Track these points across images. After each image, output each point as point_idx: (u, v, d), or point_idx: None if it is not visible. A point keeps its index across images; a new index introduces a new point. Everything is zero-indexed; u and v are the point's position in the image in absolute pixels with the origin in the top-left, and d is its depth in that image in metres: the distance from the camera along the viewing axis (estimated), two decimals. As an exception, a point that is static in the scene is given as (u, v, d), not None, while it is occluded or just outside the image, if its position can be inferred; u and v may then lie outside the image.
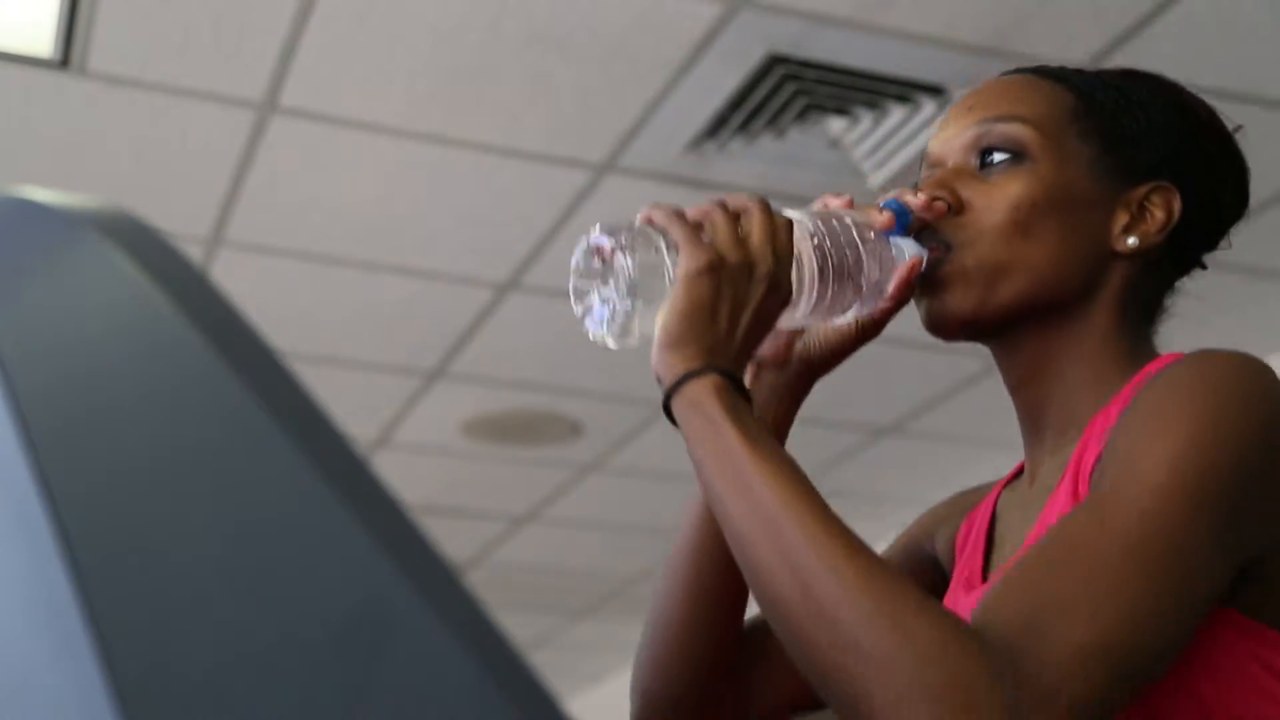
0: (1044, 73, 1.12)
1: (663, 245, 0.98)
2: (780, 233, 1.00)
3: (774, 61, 2.68)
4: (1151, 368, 1.00)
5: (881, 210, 1.05)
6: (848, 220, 1.05)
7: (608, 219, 0.97)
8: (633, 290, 0.97)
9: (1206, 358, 0.93)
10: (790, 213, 1.05)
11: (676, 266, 0.97)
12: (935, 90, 2.75)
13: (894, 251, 1.05)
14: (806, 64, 2.69)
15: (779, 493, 0.87)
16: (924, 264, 1.05)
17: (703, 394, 0.92)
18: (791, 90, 2.76)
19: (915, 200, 1.06)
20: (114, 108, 2.76)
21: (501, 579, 5.70)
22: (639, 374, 4.13)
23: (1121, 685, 0.80)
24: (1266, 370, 0.92)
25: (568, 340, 3.76)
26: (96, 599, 0.45)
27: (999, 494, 1.16)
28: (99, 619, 0.45)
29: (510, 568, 5.60)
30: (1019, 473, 1.16)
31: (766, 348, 1.10)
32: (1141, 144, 1.07)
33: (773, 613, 0.86)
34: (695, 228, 0.98)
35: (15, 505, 0.49)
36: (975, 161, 1.07)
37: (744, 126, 2.87)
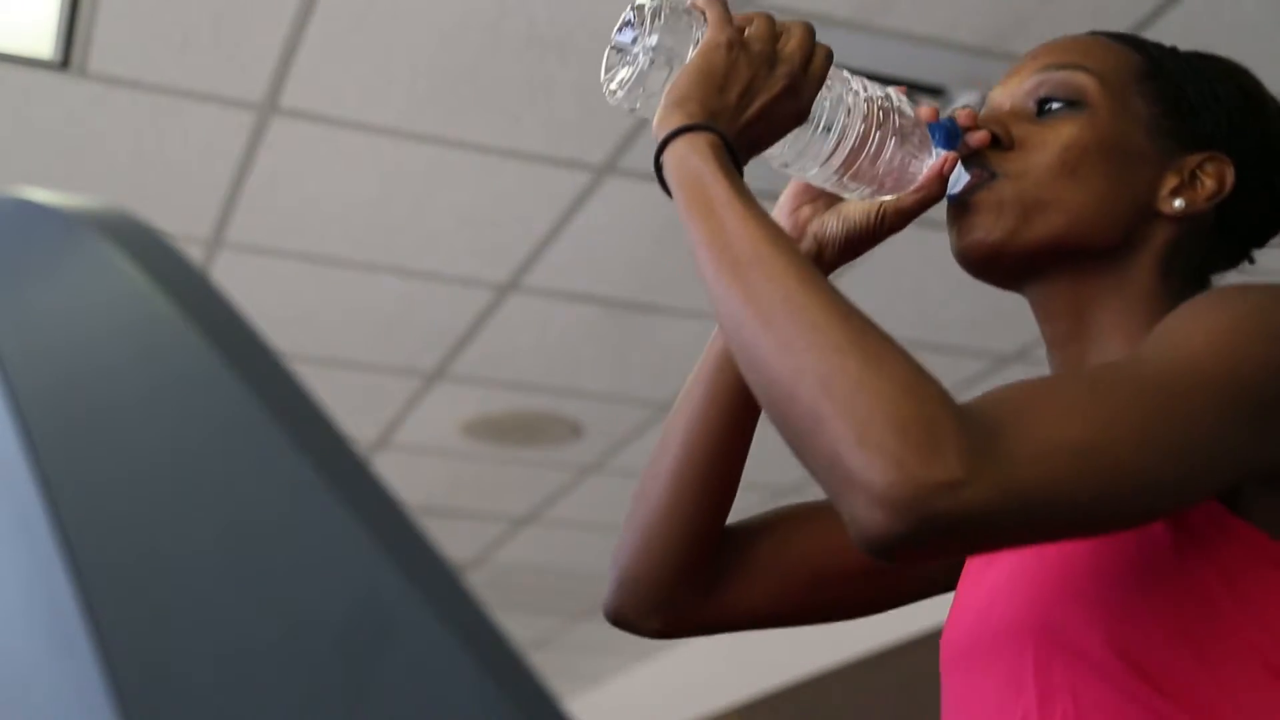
0: (1116, 35, 1.11)
1: (695, 19, 0.99)
2: (818, 54, 1.00)
3: (774, 62, 2.68)
4: None
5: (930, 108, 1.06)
6: (894, 97, 1.05)
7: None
8: (658, 53, 0.98)
9: (1230, 287, 0.92)
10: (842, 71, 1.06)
11: (689, 41, 0.97)
12: (935, 91, 2.75)
13: (932, 147, 1.05)
14: (807, 65, 2.69)
15: (760, 243, 0.86)
16: (957, 167, 1.04)
17: (697, 148, 0.92)
18: (792, 91, 2.76)
19: (965, 120, 1.05)
20: (114, 109, 2.76)
21: (502, 580, 5.70)
22: (639, 375, 4.14)
23: (1087, 490, 0.78)
24: None
25: (568, 341, 3.76)
26: (97, 599, 0.45)
27: None
28: (99, 619, 0.45)
29: (510, 569, 5.60)
30: None
31: (784, 213, 1.09)
32: (1203, 114, 1.06)
33: (741, 343, 0.85)
34: (734, 18, 0.98)
35: (16, 505, 0.49)
36: (1034, 107, 1.06)
37: (744, 127, 2.87)
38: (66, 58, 2.61)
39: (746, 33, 0.97)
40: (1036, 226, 1.02)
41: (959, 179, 1.05)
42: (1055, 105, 1.05)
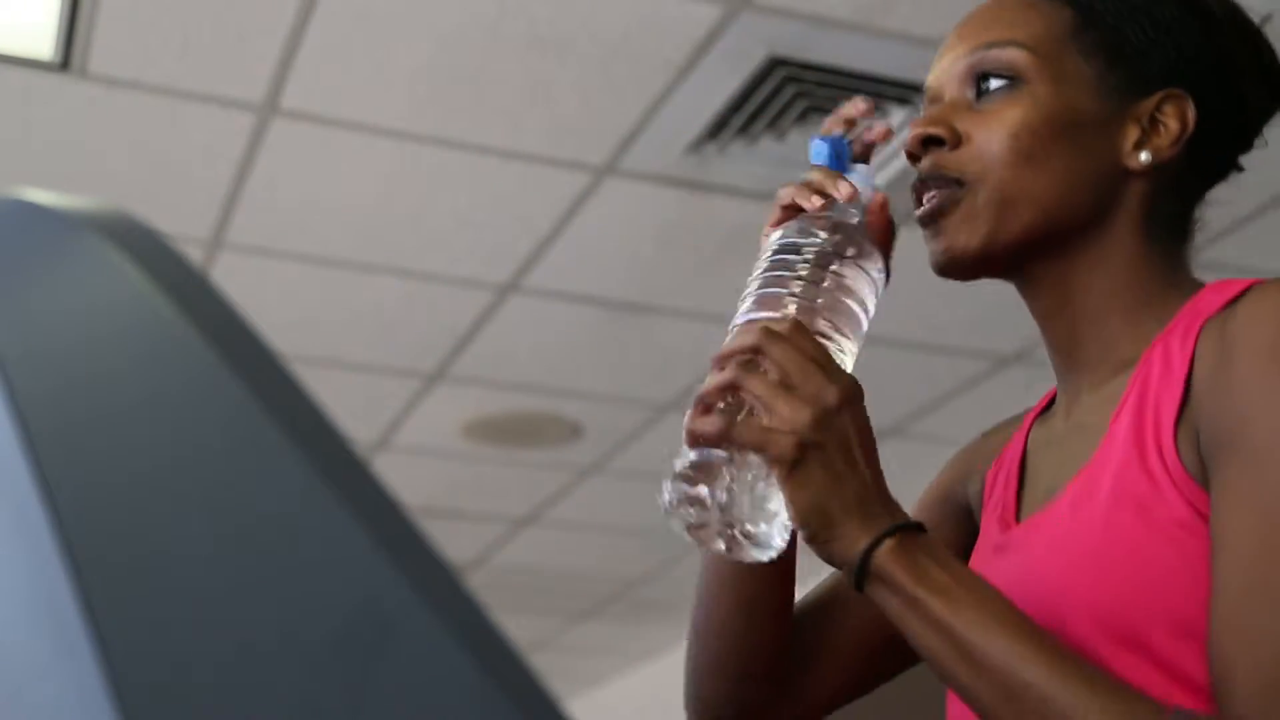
0: None
1: (738, 468, 0.90)
2: (812, 351, 0.91)
3: (774, 64, 2.68)
4: (1203, 303, 0.96)
5: (838, 180, 1.02)
6: (825, 241, 0.99)
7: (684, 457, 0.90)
8: (746, 506, 0.90)
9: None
10: (775, 238, 1.00)
11: (763, 473, 0.90)
12: (935, 92, 2.76)
13: (862, 193, 1.01)
14: (807, 66, 2.69)
15: (1000, 655, 0.84)
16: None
17: (883, 571, 0.88)
18: (792, 92, 2.76)
19: (908, 137, 1.03)
20: (114, 110, 2.77)
21: (502, 581, 5.70)
22: (639, 376, 4.14)
23: None
24: None
25: (568, 342, 3.76)
26: (96, 601, 0.45)
27: (1029, 428, 1.13)
28: (99, 621, 0.45)
29: (511, 570, 5.60)
30: (1049, 404, 1.12)
31: None
32: (1149, 53, 1.02)
33: None
34: (740, 413, 0.89)
35: (15, 508, 0.49)
36: (971, 93, 1.03)
37: (745, 129, 2.87)
38: (67, 59, 2.61)
39: (771, 423, 0.88)
40: (1010, 226, 1.00)
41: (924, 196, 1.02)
42: (992, 86, 1.01)
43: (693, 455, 0.90)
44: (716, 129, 2.87)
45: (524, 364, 3.88)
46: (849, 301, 0.97)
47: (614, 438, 4.36)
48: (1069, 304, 1.03)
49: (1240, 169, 1.08)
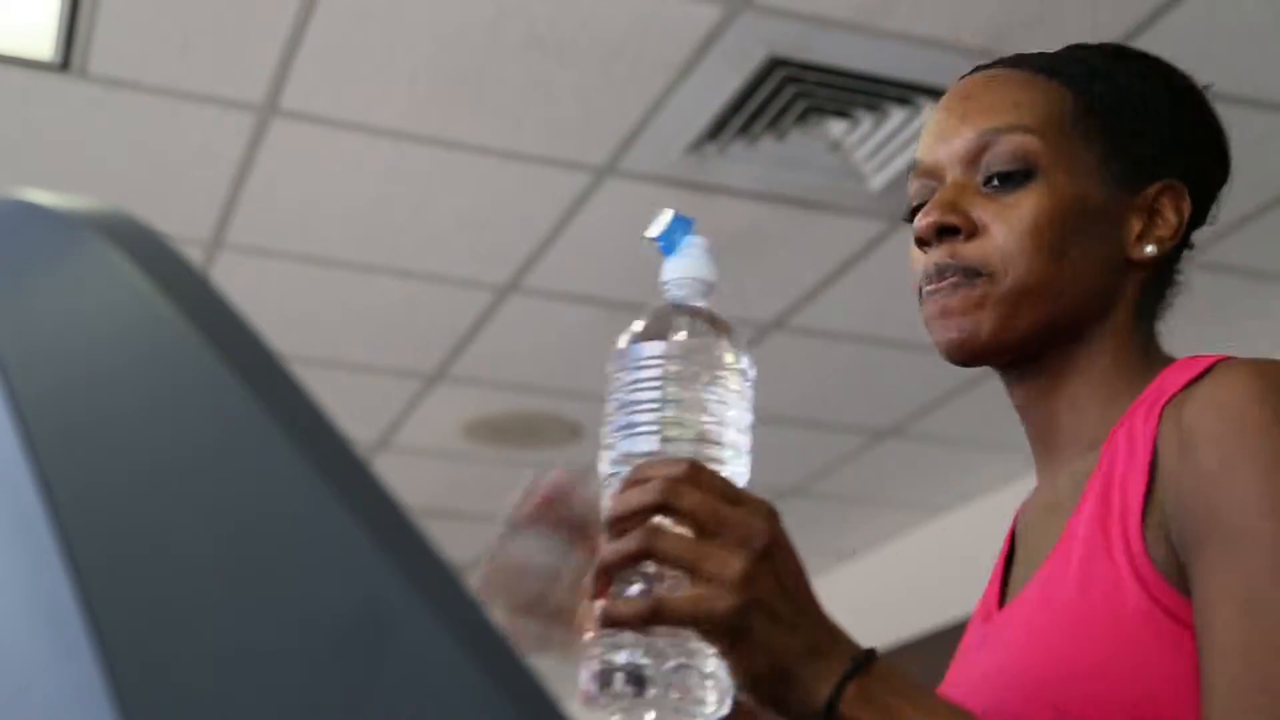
0: (1033, 66, 1.05)
1: (673, 642, 0.80)
2: (722, 487, 0.81)
3: (774, 64, 2.68)
4: (1168, 380, 0.96)
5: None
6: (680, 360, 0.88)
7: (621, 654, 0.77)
8: (695, 679, 0.81)
9: (1245, 380, 0.88)
10: (633, 360, 0.89)
11: (700, 652, 0.81)
12: (936, 93, 2.75)
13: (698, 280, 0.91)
14: (807, 66, 2.69)
15: None
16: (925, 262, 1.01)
17: (854, 704, 0.80)
18: (792, 93, 2.76)
19: (921, 224, 1.01)
20: (114, 111, 2.77)
21: (502, 581, 5.69)
22: (639, 376, 4.13)
23: None
24: None
25: (568, 342, 3.76)
26: (97, 601, 0.45)
27: (1018, 518, 1.12)
28: (99, 622, 0.45)
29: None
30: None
31: None
32: (1143, 139, 1.02)
33: None
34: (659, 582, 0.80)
35: (16, 508, 0.49)
36: (979, 177, 1.01)
37: (745, 129, 2.87)
38: (67, 59, 2.61)
39: (697, 585, 0.79)
40: (1028, 317, 0.99)
41: (930, 276, 1.00)
42: (1004, 174, 0.99)
43: (624, 645, 0.80)
44: (716, 129, 2.87)
45: (524, 364, 3.88)
46: (730, 410, 0.88)
47: (614, 438, 4.36)
48: (1055, 393, 1.03)
49: (1192, 246, 1.07)
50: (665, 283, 0.92)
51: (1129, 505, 0.91)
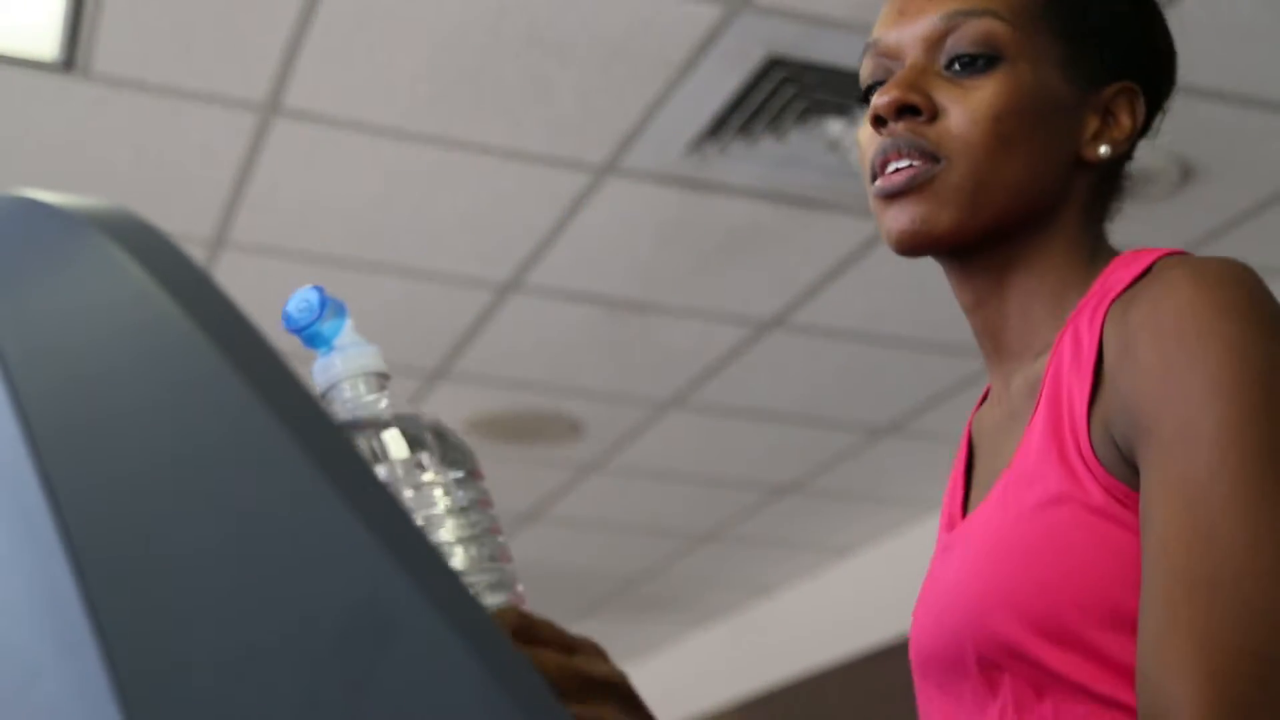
0: None
1: None
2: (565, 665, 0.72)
3: (774, 63, 2.68)
4: (1113, 279, 0.94)
5: None
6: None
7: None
8: None
9: (1185, 280, 0.87)
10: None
11: None
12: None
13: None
14: (806, 66, 2.69)
15: None
16: (879, 145, 0.97)
17: None
18: (791, 92, 2.76)
19: (882, 100, 0.97)
20: (118, 110, 2.77)
21: (503, 579, 5.69)
22: (639, 374, 4.14)
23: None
24: (1255, 275, 0.88)
25: (569, 340, 3.76)
26: (100, 598, 0.46)
27: (971, 423, 1.11)
28: (103, 618, 0.45)
29: (511, 568, 5.59)
30: (987, 396, 1.10)
31: None
32: (1106, 40, 1.01)
33: None
34: None
35: (19, 504, 0.49)
36: (941, 60, 0.99)
37: (744, 128, 2.87)
38: (70, 59, 2.61)
39: None
40: (984, 209, 0.97)
41: (888, 165, 0.97)
42: (969, 58, 0.97)
43: None
44: (716, 129, 2.87)
45: (525, 362, 3.88)
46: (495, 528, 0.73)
47: (614, 435, 4.36)
48: (1002, 291, 1.01)
49: (1131, 156, 1.05)
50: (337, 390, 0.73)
51: (1075, 409, 0.91)
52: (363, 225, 3.21)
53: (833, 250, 3.31)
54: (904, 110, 0.98)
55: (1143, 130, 1.04)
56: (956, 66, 0.98)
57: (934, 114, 0.97)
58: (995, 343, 1.03)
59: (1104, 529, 0.88)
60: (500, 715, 0.41)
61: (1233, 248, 3.12)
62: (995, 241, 0.99)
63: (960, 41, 0.98)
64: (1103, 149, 1.00)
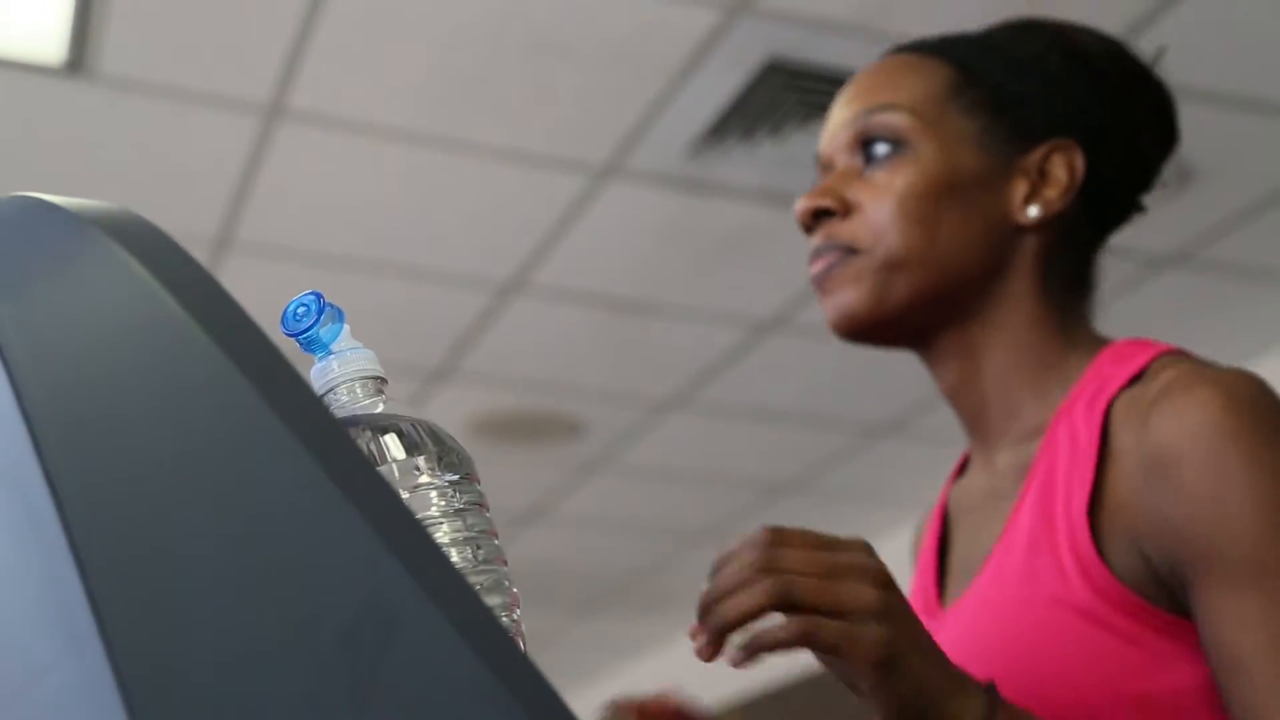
0: (923, 48, 1.07)
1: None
2: (814, 538, 0.80)
3: (774, 66, 2.68)
4: (1106, 372, 0.95)
5: None
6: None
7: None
8: None
9: (1210, 399, 0.87)
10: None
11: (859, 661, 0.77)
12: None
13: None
14: (806, 68, 2.69)
15: None
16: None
17: None
18: (792, 95, 2.77)
19: (797, 211, 1.02)
20: (124, 113, 2.77)
21: (504, 579, 5.68)
22: (640, 374, 4.14)
23: None
24: (1268, 385, 0.89)
25: (570, 340, 3.76)
26: (104, 597, 0.46)
27: (946, 500, 1.10)
28: (107, 617, 0.45)
29: (513, 565, 5.58)
30: (962, 469, 1.10)
31: None
32: (1033, 105, 1.02)
33: None
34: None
35: (24, 505, 0.50)
36: (859, 160, 1.02)
37: (745, 130, 2.87)
38: (76, 62, 2.61)
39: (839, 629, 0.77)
40: (900, 287, 0.99)
41: (817, 259, 1.01)
42: (878, 153, 1.01)
43: None
44: (717, 131, 2.87)
45: (526, 362, 3.88)
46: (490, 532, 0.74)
47: (615, 435, 4.36)
48: (975, 374, 1.02)
49: (1143, 210, 1.06)
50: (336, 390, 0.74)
51: (1072, 505, 0.91)
52: (366, 226, 3.21)
53: (834, 251, 3.31)
54: (819, 214, 1.02)
55: (1136, 188, 1.04)
56: (869, 160, 1.02)
57: (847, 211, 1.01)
58: (978, 424, 1.04)
59: (1090, 634, 0.88)
60: (504, 713, 0.41)
61: (1232, 248, 3.12)
62: (938, 321, 1.01)
63: (868, 138, 1.02)
64: (1031, 211, 1.00)
